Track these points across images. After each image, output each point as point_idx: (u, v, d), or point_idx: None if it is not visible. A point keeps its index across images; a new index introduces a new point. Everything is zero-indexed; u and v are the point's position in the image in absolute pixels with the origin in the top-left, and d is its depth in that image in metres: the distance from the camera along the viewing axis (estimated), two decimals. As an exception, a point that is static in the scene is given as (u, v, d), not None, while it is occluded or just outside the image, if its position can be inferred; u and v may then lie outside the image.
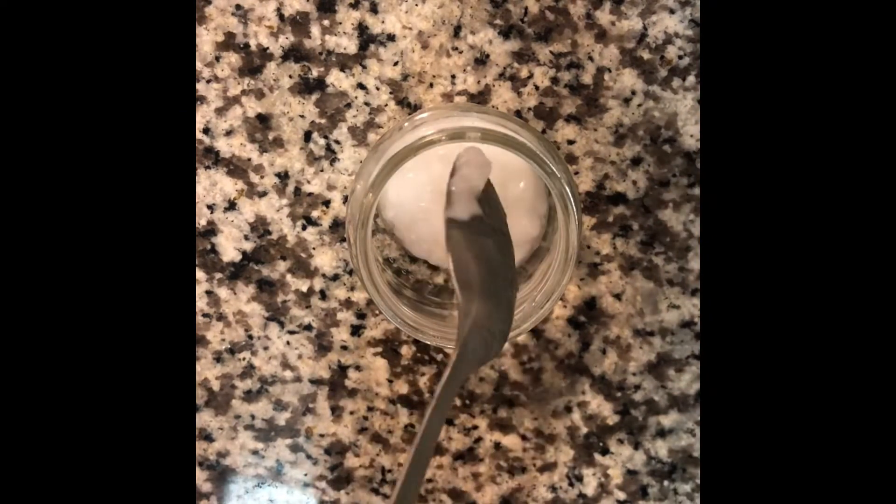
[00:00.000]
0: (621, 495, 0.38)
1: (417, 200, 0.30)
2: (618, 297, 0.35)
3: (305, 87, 0.32)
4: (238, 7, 0.32)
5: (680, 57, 0.31)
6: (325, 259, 0.35)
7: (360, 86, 0.32)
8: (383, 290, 0.28)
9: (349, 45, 0.32)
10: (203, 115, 0.33)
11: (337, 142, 0.33)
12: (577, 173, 0.33)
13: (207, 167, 0.34)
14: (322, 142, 0.33)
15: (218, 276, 0.35)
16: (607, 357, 0.36)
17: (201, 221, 0.34)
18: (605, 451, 0.37)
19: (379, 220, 0.32)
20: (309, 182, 0.34)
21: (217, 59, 0.32)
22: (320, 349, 0.36)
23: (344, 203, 0.34)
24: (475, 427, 0.37)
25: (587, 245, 0.34)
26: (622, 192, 0.33)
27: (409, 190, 0.30)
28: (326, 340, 0.36)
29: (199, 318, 0.36)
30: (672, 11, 0.31)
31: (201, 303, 0.36)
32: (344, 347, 0.36)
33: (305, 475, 0.39)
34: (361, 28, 0.32)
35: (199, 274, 0.35)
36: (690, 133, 0.32)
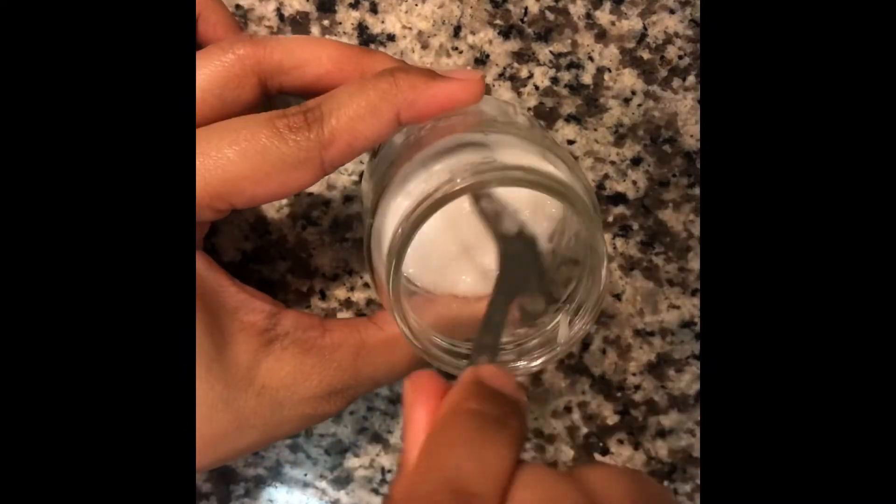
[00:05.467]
0: (621, 495, 0.38)
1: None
2: (618, 297, 0.35)
3: (305, 87, 0.32)
4: (238, 7, 0.32)
5: (680, 57, 0.31)
6: (324, 259, 0.35)
7: (360, 86, 0.32)
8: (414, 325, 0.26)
9: (349, 45, 0.32)
10: (203, 115, 0.33)
11: (337, 142, 0.33)
12: (577, 173, 0.33)
13: (207, 167, 0.34)
14: (322, 142, 0.33)
15: (218, 276, 0.35)
16: (607, 357, 0.36)
17: (201, 221, 0.34)
18: (605, 452, 0.37)
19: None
20: (309, 182, 0.34)
21: (217, 59, 0.32)
22: (320, 349, 0.36)
23: (344, 203, 0.34)
24: (475, 427, 0.37)
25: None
26: (622, 192, 0.33)
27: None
28: (326, 340, 0.36)
29: (199, 319, 0.36)
30: (672, 11, 0.31)
31: (201, 303, 0.36)
32: (344, 347, 0.36)
33: (305, 475, 0.39)
34: (361, 28, 0.32)
35: (199, 274, 0.35)
36: (690, 133, 0.32)
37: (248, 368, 0.26)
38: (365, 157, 0.32)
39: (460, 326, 0.27)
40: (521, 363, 0.27)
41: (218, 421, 0.26)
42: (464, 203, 0.27)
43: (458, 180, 0.23)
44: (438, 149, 0.25)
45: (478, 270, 0.27)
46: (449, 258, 0.27)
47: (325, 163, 0.25)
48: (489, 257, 0.27)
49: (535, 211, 0.27)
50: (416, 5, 0.31)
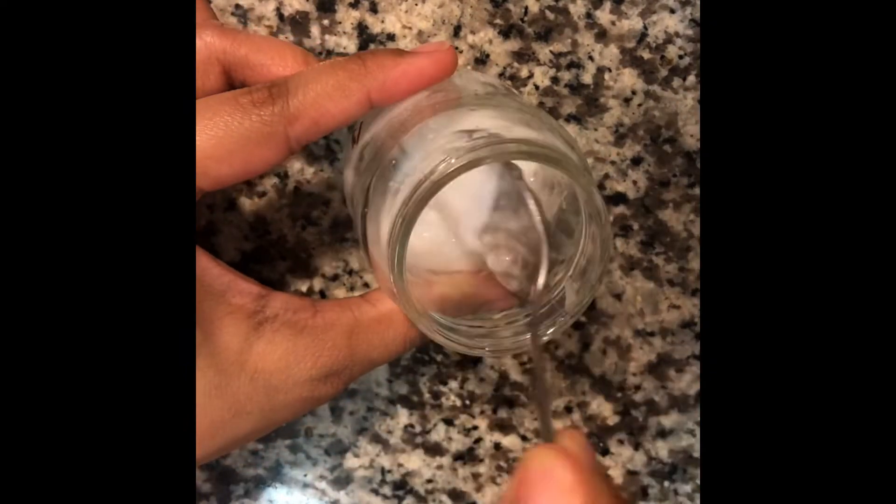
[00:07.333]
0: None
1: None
2: (618, 297, 0.35)
3: (305, 86, 0.32)
4: (238, 7, 0.32)
5: (680, 57, 0.31)
6: (324, 259, 0.35)
7: (360, 86, 0.32)
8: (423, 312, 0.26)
9: (349, 44, 0.32)
10: (203, 115, 0.33)
11: (337, 142, 0.33)
12: (577, 173, 0.33)
13: (207, 167, 0.34)
14: (322, 141, 0.33)
15: (218, 276, 0.35)
16: (607, 357, 0.36)
17: (201, 221, 0.34)
18: (605, 452, 0.37)
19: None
20: (309, 182, 0.34)
21: (217, 58, 0.32)
22: (320, 349, 0.36)
23: (344, 203, 0.34)
24: (475, 427, 0.37)
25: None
26: (622, 192, 0.33)
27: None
28: (326, 340, 0.36)
29: (199, 318, 0.36)
30: (672, 11, 0.31)
31: (201, 303, 0.36)
32: (344, 347, 0.36)
33: (305, 475, 0.39)
34: (361, 28, 0.32)
35: (199, 274, 0.35)
36: (690, 133, 0.32)
37: (239, 353, 0.26)
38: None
39: (450, 302, 0.27)
40: (531, 334, 0.27)
41: (213, 409, 0.26)
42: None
43: (454, 160, 0.23)
44: (428, 128, 0.25)
45: (462, 246, 0.27)
46: (437, 235, 0.27)
47: (290, 139, 0.24)
48: (471, 233, 0.27)
49: (542, 187, 0.27)
50: (416, 5, 0.31)
